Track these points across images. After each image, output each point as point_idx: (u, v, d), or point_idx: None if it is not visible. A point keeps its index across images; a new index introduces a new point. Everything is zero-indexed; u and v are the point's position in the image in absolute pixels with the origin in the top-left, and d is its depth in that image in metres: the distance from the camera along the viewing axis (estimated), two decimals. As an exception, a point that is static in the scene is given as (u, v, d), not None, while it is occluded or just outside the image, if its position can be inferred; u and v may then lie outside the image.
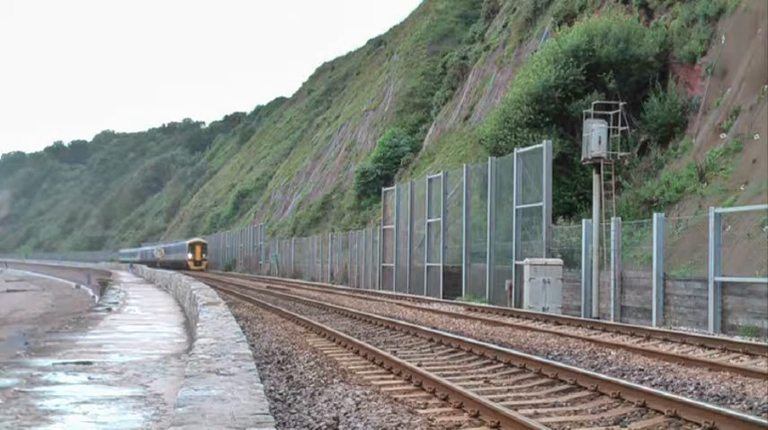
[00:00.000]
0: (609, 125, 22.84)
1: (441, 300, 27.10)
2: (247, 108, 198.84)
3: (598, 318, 19.84)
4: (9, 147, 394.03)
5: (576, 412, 8.22)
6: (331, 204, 62.84)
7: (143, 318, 19.16)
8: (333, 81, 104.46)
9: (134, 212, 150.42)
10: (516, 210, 24.58)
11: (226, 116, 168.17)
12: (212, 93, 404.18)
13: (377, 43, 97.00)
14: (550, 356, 12.08)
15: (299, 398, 8.78)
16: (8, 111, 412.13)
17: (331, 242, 47.33)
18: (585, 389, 9.13)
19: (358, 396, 8.72)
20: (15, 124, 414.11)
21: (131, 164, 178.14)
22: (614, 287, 20.10)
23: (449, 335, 14.17)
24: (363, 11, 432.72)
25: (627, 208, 23.86)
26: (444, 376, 9.90)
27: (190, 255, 75.36)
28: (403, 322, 17.23)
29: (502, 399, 8.60)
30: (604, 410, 8.24)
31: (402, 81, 65.02)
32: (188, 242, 78.48)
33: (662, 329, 15.77)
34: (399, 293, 31.20)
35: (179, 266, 72.16)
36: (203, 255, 76.50)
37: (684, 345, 13.37)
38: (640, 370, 10.71)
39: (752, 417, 7.22)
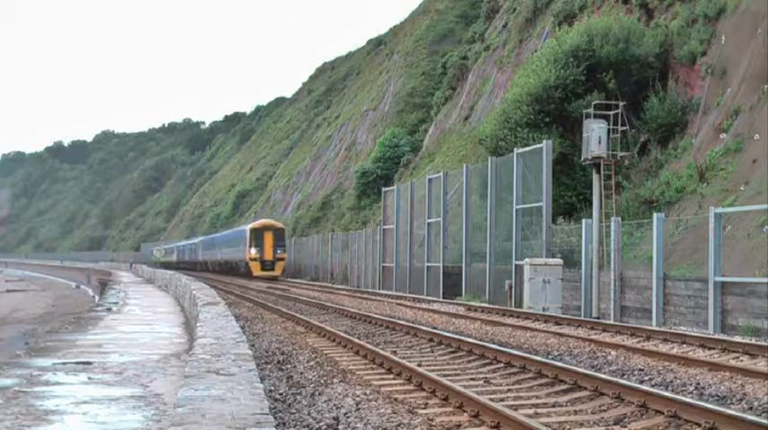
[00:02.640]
0: (609, 125, 22.84)
1: (441, 300, 27.09)
2: (247, 108, 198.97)
3: (598, 318, 19.84)
4: (9, 147, 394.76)
5: (575, 412, 8.22)
6: (331, 204, 62.82)
7: (143, 318, 19.16)
8: (333, 81, 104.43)
9: (134, 212, 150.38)
10: (516, 210, 24.57)
11: (226, 116, 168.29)
12: (212, 93, 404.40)
13: (377, 43, 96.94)
14: (550, 356, 12.08)
15: (299, 398, 8.78)
16: (8, 111, 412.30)
17: (331, 242, 47.31)
18: (585, 389, 9.13)
19: (358, 396, 8.72)
20: (15, 124, 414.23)
21: (131, 164, 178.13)
22: (614, 287, 20.10)
23: (449, 335, 14.17)
24: (363, 11, 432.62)
25: (627, 208, 23.86)
26: (444, 376, 9.90)
27: (253, 251, 47.69)
28: (403, 322, 17.23)
29: (502, 399, 8.60)
30: (604, 410, 8.24)
31: (402, 81, 65.03)
32: (249, 227, 49.95)
33: (662, 329, 15.76)
34: (399, 293, 31.19)
35: (234, 270, 51.82)
36: (277, 251, 48.17)
37: (684, 345, 13.37)
38: (640, 370, 10.71)
39: (752, 417, 7.22)
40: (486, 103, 44.11)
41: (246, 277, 46.78)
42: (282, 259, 48.69)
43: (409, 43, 70.67)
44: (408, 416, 7.78)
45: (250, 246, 47.86)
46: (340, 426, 7.36)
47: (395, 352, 12.45)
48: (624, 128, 23.86)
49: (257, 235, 48.28)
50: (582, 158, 23.13)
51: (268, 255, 47.63)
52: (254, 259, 47.60)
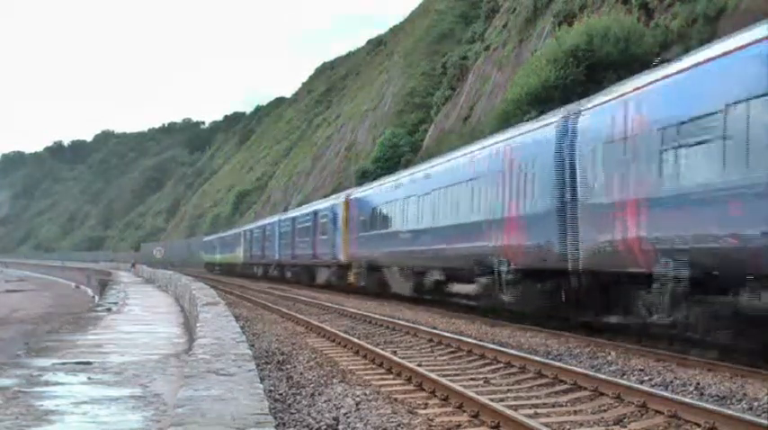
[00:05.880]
0: (609, 125, 22.81)
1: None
2: (247, 108, 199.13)
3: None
4: (9, 147, 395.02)
5: (575, 412, 8.22)
6: (331, 204, 62.68)
7: (143, 318, 19.15)
8: (333, 81, 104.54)
9: (134, 212, 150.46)
10: (516, 210, 24.44)
11: (226, 116, 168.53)
12: (212, 93, 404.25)
13: (377, 43, 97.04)
14: (550, 356, 12.07)
15: (298, 398, 8.78)
16: (8, 112, 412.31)
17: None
18: (585, 389, 9.13)
19: (358, 396, 8.72)
20: (15, 124, 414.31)
21: (131, 164, 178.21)
22: (614, 287, 20.06)
23: (449, 335, 14.17)
24: (363, 11, 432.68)
25: (627, 208, 23.82)
26: (444, 376, 9.90)
27: None
28: (403, 322, 17.22)
29: (502, 399, 8.60)
30: (604, 410, 8.24)
31: (402, 81, 65.02)
32: None
33: (662, 329, 15.74)
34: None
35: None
36: None
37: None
38: (640, 370, 10.70)
39: (752, 417, 7.23)
40: (486, 103, 44.09)
41: None
42: None
43: (409, 43, 70.68)
44: (408, 416, 7.78)
45: None
46: (340, 426, 7.36)
47: (395, 352, 12.44)
48: (624, 128, 23.82)
49: None
50: (582, 158, 23.08)
51: None
52: None
